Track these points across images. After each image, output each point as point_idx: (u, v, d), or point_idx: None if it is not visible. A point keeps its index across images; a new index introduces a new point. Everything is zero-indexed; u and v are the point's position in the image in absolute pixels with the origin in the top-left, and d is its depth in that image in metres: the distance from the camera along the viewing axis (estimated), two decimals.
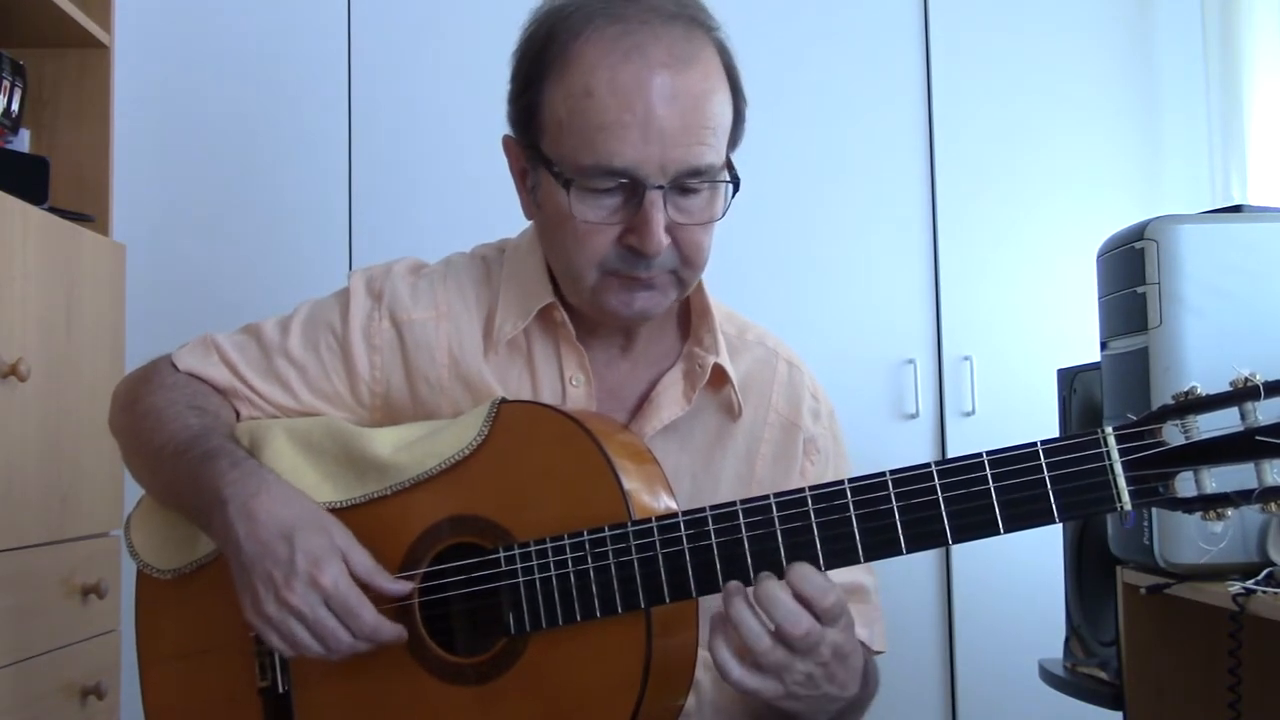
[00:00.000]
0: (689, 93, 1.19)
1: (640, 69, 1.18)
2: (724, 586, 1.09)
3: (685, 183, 1.20)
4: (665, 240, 1.19)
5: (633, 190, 1.19)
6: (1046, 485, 1.04)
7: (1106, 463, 1.03)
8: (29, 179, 2.22)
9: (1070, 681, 2.14)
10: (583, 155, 1.19)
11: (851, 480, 1.09)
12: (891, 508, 1.07)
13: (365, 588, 1.17)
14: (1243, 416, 1.00)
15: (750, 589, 1.08)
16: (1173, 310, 1.68)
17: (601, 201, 1.20)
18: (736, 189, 1.23)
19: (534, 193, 1.28)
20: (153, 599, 1.32)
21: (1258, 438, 0.98)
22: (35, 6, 2.38)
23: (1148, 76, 2.85)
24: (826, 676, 1.10)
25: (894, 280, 2.81)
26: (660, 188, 1.18)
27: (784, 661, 1.07)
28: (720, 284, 1.38)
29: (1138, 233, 1.74)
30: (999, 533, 1.05)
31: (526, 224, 1.38)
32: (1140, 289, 1.72)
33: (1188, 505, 1.02)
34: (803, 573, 1.08)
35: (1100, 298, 1.88)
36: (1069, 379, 2.22)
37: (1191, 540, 1.67)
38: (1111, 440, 1.03)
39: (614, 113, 1.17)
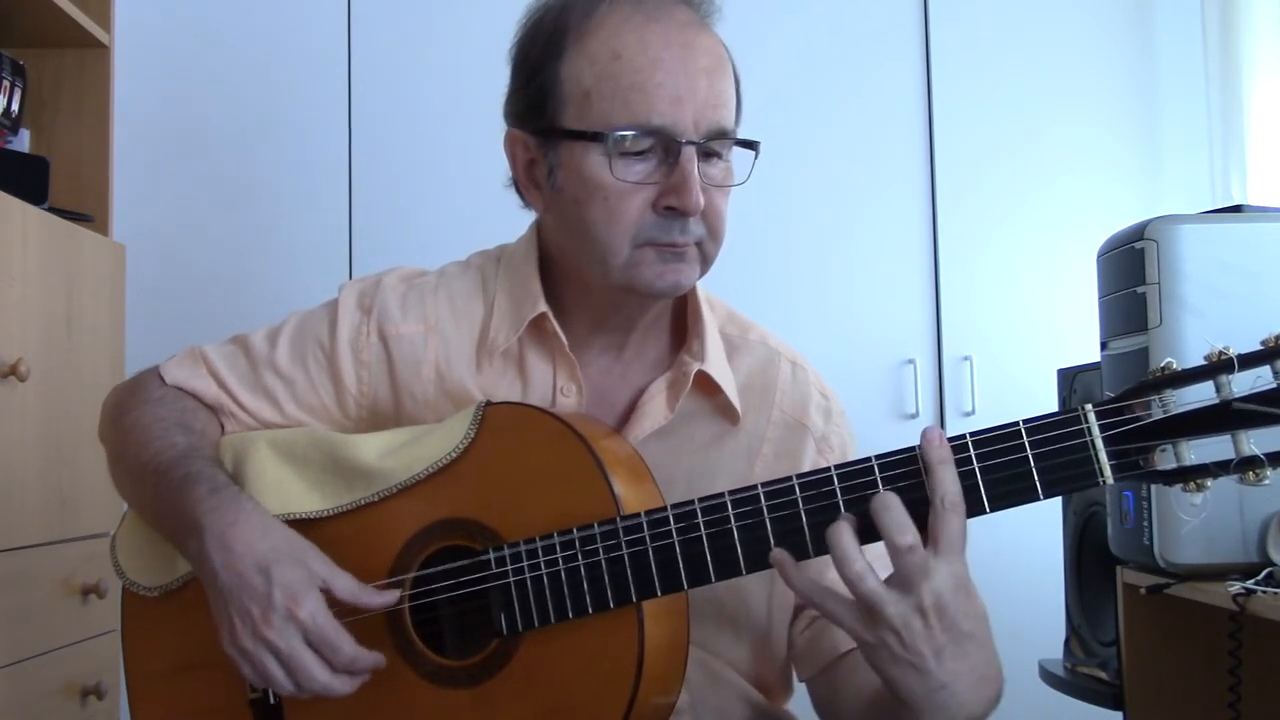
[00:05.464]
0: (712, 53, 1.22)
1: (668, 28, 1.20)
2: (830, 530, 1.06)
3: (710, 145, 1.21)
4: (702, 199, 1.19)
5: (666, 151, 1.19)
6: (1030, 463, 1.05)
7: (1088, 438, 1.04)
8: (29, 179, 2.22)
9: (1070, 681, 2.14)
10: (616, 117, 1.18)
11: (838, 466, 1.09)
12: (879, 493, 1.07)
13: (353, 609, 1.16)
14: (1218, 389, 1.02)
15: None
16: (1173, 310, 1.68)
17: (633, 166, 1.19)
18: (757, 153, 1.24)
19: (550, 179, 1.25)
20: (139, 616, 1.31)
21: (1234, 405, 1.00)
22: (35, 6, 2.38)
23: (1148, 76, 2.84)
24: (927, 636, 1.05)
25: (894, 280, 2.80)
26: (694, 144, 1.18)
27: (879, 594, 1.04)
28: (720, 284, 1.37)
29: (1138, 233, 1.73)
30: (985, 511, 1.06)
31: (526, 226, 1.38)
32: (1140, 289, 1.72)
33: (1168, 477, 1.04)
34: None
35: (1100, 298, 1.88)
36: (1069, 379, 2.21)
37: (1191, 540, 1.67)
38: (1092, 416, 1.04)
39: (646, 72, 1.18)
